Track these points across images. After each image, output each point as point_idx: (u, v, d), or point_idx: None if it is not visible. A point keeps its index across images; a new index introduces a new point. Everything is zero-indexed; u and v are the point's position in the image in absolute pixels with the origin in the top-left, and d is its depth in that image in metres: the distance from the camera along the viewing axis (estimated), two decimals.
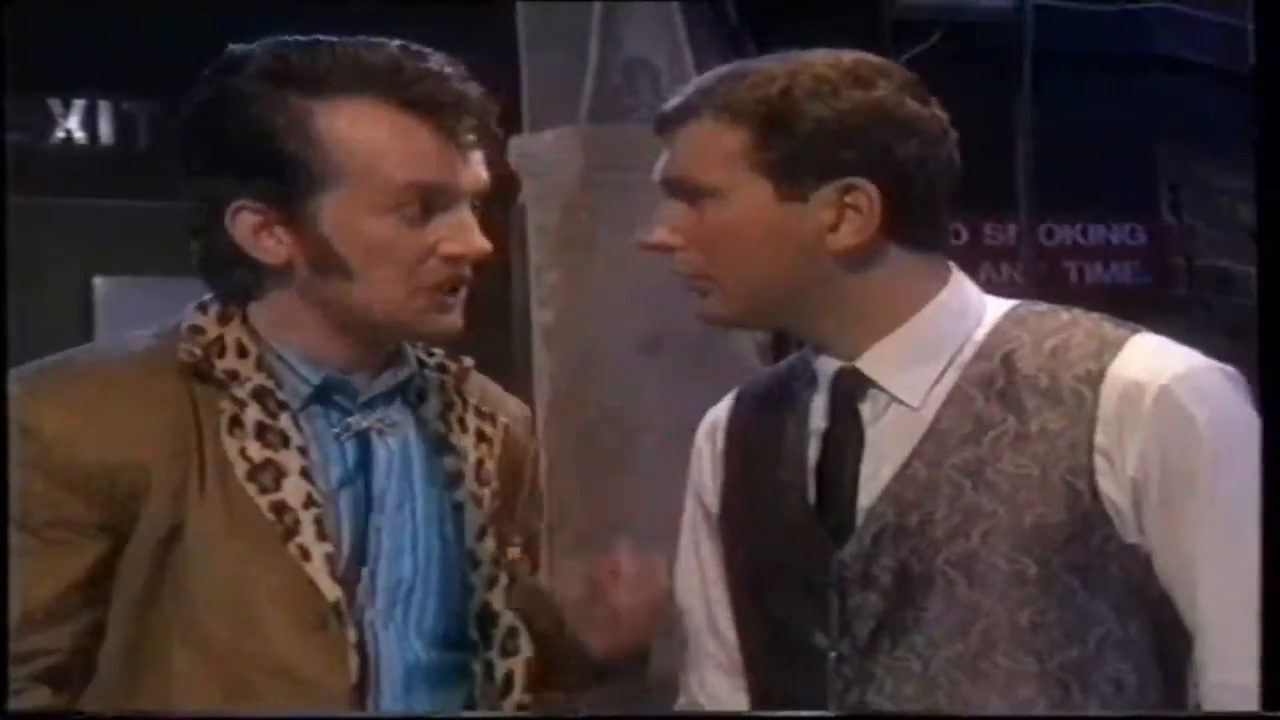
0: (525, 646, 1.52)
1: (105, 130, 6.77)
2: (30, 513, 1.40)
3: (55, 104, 6.68)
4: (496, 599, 1.52)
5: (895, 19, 5.01)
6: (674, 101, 1.48)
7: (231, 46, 1.47)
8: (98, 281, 6.61)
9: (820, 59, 1.45)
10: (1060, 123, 5.97)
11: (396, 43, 1.46)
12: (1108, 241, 7.00)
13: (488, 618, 1.52)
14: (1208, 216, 6.88)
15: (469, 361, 1.60)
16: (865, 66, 1.45)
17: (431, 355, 1.59)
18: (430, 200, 1.45)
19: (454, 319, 1.49)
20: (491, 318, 1.54)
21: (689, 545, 1.61)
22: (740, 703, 1.56)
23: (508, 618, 1.52)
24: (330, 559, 1.44)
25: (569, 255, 5.25)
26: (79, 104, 6.71)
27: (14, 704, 1.34)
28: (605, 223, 5.02)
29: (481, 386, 1.62)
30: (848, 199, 1.43)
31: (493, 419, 1.59)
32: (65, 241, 6.48)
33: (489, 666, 1.51)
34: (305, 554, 1.43)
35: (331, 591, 1.44)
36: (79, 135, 6.74)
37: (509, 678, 1.52)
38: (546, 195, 5.27)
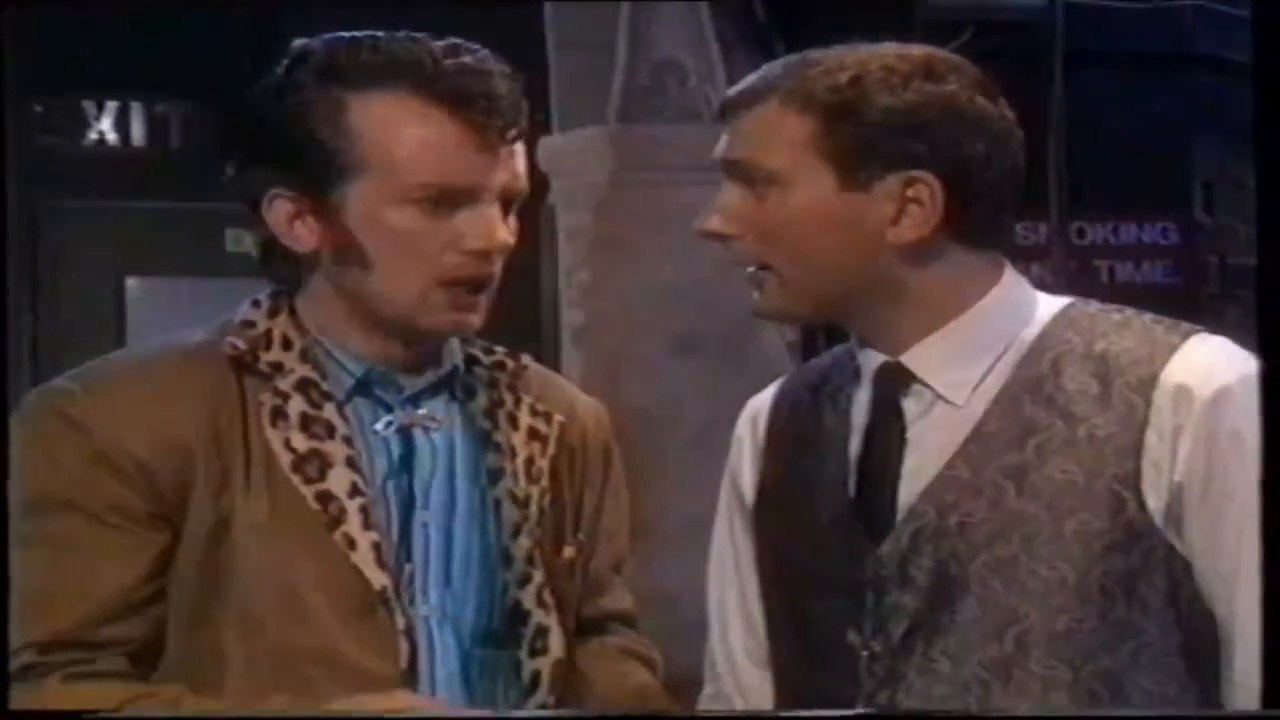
0: (555, 647, 1.52)
1: (138, 132, 6.80)
2: (87, 498, 1.42)
3: (89, 106, 6.71)
4: (527, 597, 1.52)
5: (926, 16, 5.00)
6: (740, 86, 1.46)
7: (297, 41, 1.49)
8: (130, 282, 6.64)
9: (891, 51, 1.44)
10: (1092, 121, 5.95)
11: (444, 40, 1.47)
12: (1139, 240, 6.96)
13: (518, 616, 1.52)
14: (1242, 215, 6.83)
15: (526, 359, 1.60)
16: (937, 61, 1.44)
17: (491, 353, 1.58)
18: (453, 197, 1.45)
19: (470, 318, 1.49)
20: (522, 318, 1.53)
21: (723, 534, 1.60)
22: (768, 694, 1.54)
23: (538, 616, 1.52)
24: (376, 547, 1.45)
25: (599, 256, 5.26)
26: (111, 106, 6.74)
27: (14, 703, 1.34)
28: (635, 223, 5.02)
29: (543, 384, 1.61)
30: (910, 192, 1.41)
31: (548, 417, 1.58)
32: (98, 242, 6.52)
33: (517, 665, 1.51)
34: (351, 542, 1.44)
35: (378, 579, 1.44)
36: (111, 137, 6.77)
37: (536, 677, 1.51)
38: (576, 196, 5.27)
